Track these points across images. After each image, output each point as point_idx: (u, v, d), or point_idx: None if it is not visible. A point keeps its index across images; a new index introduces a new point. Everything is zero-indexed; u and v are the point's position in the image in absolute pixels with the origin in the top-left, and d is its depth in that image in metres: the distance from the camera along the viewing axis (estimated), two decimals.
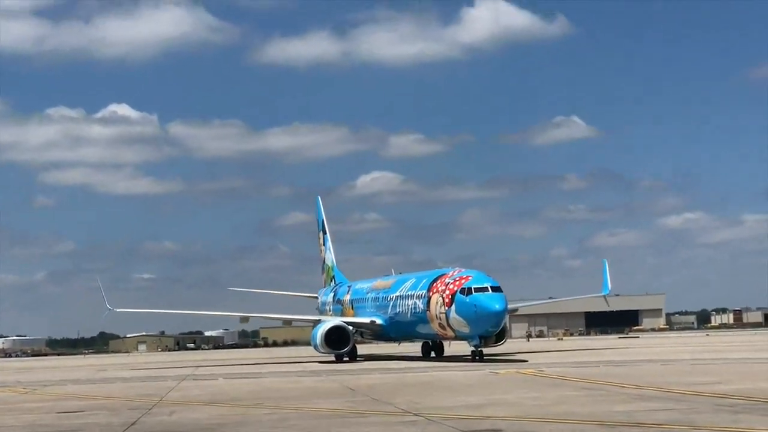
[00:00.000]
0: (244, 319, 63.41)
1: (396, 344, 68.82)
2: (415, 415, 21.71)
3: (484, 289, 49.77)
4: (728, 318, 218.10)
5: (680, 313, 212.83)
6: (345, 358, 59.95)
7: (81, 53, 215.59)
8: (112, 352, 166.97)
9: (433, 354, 64.38)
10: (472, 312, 49.50)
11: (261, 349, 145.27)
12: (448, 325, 52.06)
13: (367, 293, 67.76)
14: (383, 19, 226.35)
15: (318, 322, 61.82)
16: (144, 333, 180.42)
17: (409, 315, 58.10)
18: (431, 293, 54.41)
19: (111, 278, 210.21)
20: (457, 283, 51.57)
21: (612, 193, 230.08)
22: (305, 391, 32.72)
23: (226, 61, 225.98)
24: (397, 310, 60.05)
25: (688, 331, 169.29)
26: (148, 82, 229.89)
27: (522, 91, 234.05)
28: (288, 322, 71.66)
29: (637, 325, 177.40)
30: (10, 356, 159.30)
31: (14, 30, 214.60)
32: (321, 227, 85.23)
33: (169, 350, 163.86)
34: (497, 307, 49.00)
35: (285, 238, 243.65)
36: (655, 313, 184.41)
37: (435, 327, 54.46)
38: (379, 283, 67.41)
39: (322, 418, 21.91)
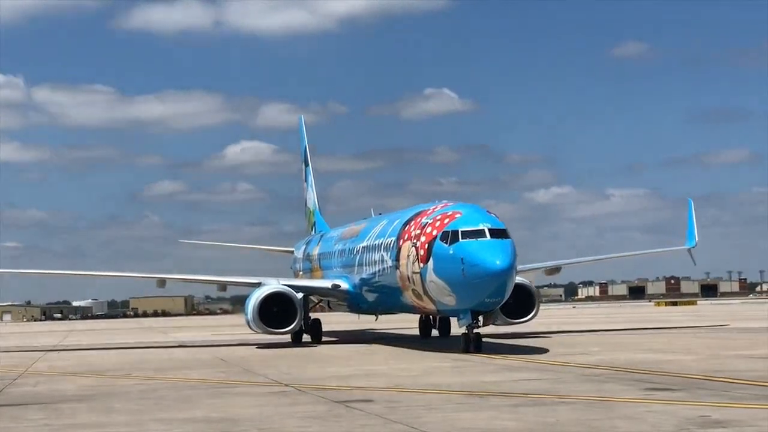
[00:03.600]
0: (161, 282, 44.94)
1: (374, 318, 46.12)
2: (286, 385, 21.67)
3: (477, 233, 29.90)
4: (595, 291, 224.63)
5: (548, 286, 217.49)
6: (305, 338, 41.13)
7: None
8: None
9: (435, 333, 43.84)
10: (457, 272, 29.62)
11: (131, 320, 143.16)
12: (425, 292, 32.01)
13: (335, 245, 46.56)
14: None
15: (257, 286, 39.98)
16: (9, 303, 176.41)
17: (376, 277, 37.90)
18: (401, 241, 34.23)
19: None
20: (438, 224, 31.42)
21: (482, 166, 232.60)
22: (176, 362, 32.39)
23: (95, 25, 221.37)
24: (364, 268, 39.46)
25: (555, 304, 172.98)
26: (13, 45, 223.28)
27: (394, 63, 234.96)
28: (222, 287, 48.42)
29: None
30: None
31: None
32: (303, 157, 63.15)
33: (35, 320, 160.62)
34: (498, 262, 28.84)
35: (155, 208, 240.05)
36: None
37: (410, 296, 33.94)
38: (350, 229, 46.73)
39: (192, 389, 21.70)
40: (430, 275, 31.09)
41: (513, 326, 38.54)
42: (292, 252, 57.18)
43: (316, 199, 60.65)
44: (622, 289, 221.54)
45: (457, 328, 36.41)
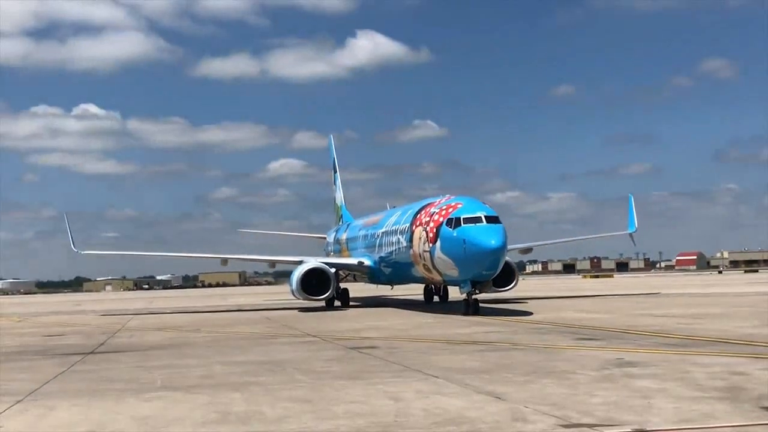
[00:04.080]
0: (224, 261, 44.01)
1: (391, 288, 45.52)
2: (314, 336, 21.66)
3: (475, 220, 29.53)
4: (538, 267, 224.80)
5: None
6: (337, 303, 40.09)
7: (60, 64, 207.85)
8: (86, 291, 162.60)
9: (436, 299, 43.23)
10: (459, 250, 29.29)
11: (200, 290, 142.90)
12: (434, 267, 31.60)
13: (359, 231, 45.88)
14: (290, 45, 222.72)
15: (299, 264, 39.34)
16: (110, 277, 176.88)
17: (393, 255, 37.46)
18: (414, 227, 33.92)
19: (83, 236, 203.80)
20: (444, 212, 31.08)
21: (456, 176, 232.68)
22: (233, 320, 32.36)
23: (172, 71, 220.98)
24: (383, 249, 39.18)
25: None
26: (112, 86, 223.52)
27: (391, 101, 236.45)
28: (272, 264, 47.94)
29: None
30: (7, 294, 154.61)
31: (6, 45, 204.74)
32: (333, 166, 62.70)
33: (128, 290, 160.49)
34: (493, 242, 28.50)
35: (217, 207, 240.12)
36: None
37: (421, 270, 33.62)
38: (371, 219, 45.87)
39: (244, 339, 21.69)
40: (438, 253, 30.54)
41: (498, 293, 37.83)
42: (325, 238, 55.95)
43: (342, 197, 59.83)
44: (557, 266, 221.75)
45: (454, 295, 37.94)
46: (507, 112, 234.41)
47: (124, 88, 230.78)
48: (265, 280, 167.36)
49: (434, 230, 30.95)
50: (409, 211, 35.79)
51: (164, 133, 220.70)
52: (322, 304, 38.76)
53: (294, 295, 37.44)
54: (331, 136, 63.78)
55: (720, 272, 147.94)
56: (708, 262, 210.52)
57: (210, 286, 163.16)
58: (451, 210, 30.70)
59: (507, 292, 37.98)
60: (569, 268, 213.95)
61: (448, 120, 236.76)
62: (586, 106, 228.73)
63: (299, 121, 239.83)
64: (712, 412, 8.97)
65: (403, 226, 35.41)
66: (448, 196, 32.99)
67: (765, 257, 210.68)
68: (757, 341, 16.29)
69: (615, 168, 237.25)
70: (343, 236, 49.29)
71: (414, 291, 47.69)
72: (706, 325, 21.26)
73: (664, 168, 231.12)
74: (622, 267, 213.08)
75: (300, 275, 37.32)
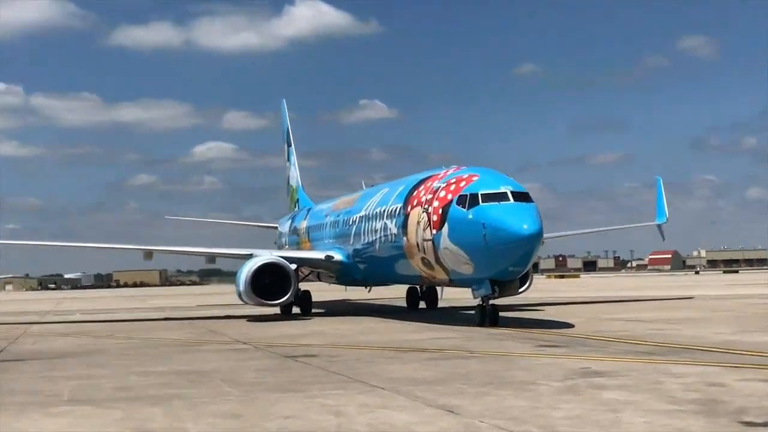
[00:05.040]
0: (148, 255, 37.71)
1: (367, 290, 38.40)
2: (244, 343, 21.58)
3: (499, 197, 24.09)
4: None
5: None
6: (295, 310, 34.51)
7: None
8: None
9: (423, 305, 37.76)
10: (477, 238, 23.68)
11: (115, 290, 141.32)
12: (437, 261, 25.86)
13: (326, 217, 39.01)
14: (219, 12, 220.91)
15: (248, 258, 33.15)
16: (11, 275, 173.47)
17: (377, 246, 30.87)
18: (409, 208, 27.94)
19: None
20: (453, 187, 25.48)
21: (407, 164, 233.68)
22: (151, 324, 32.07)
23: (83, 42, 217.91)
24: (361, 238, 32.63)
25: None
26: (14, 58, 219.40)
27: (335, 78, 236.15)
28: (211, 259, 40.01)
29: None
30: None
31: None
32: (286, 138, 55.17)
33: (32, 290, 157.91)
34: (525, 227, 23.09)
35: (134, 196, 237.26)
36: None
37: (417, 265, 27.58)
38: (342, 201, 38.95)
39: (164, 346, 21.51)
40: (445, 242, 25.02)
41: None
42: (276, 228, 49.78)
43: (299, 177, 53.19)
44: None
45: (445, 299, 34.74)
46: (465, 93, 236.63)
47: (28, 59, 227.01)
48: (190, 280, 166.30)
49: (440, 211, 25.46)
50: (401, 188, 30.11)
51: (74, 111, 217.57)
52: (276, 311, 33.52)
53: (241, 299, 31.78)
54: (284, 101, 56.33)
55: (697, 273, 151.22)
56: (684, 262, 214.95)
57: (126, 285, 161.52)
58: (463, 184, 25.29)
59: (522, 293, 30.50)
60: (533, 267, 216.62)
61: (399, 101, 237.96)
62: (551, 88, 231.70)
63: (229, 99, 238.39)
64: (687, 427, 9.17)
65: (393, 208, 29.63)
66: (455, 166, 27.68)
67: (746, 256, 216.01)
68: (736, 349, 16.68)
69: (582, 157, 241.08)
70: (303, 224, 43.08)
71: (393, 293, 42.85)
72: (681, 330, 21.69)
73: (636, 157, 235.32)
74: (590, 266, 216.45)
75: (250, 273, 31.17)
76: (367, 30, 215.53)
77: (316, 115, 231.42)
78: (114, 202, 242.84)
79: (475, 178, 25.38)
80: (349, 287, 39.20)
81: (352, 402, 11.27)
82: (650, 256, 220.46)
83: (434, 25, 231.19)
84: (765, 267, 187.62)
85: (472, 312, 25.98)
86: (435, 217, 25.67)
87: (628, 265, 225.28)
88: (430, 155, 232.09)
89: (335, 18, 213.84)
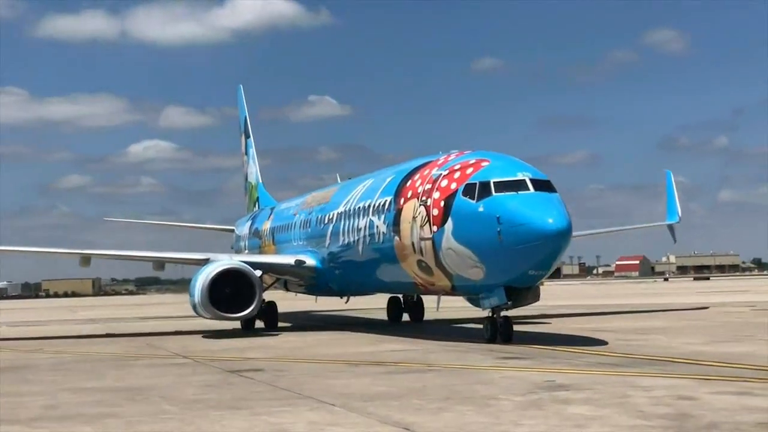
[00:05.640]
0: (85, 261, 33.33)
1: (342, 299, 34.61)
2: (185, 357, 21.44)
3: (516, 185, 21.60)
4: None
5: None
6: (259, 324, 32.09)
7: None
8: None
9: (407, 317, 35.22)
10: (490, 236, 21.00)
11: (43, 300, 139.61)
12: (438, 264, 23.08)
13: (294, 216, 35.98)
14: (157, 1, 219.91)
15: (204, 263, 30.13)
16: None
17: (359, 248, 28.01)
18: (401, 201, 25.27)
19: None
20: (458, 175, 22.94)
21: (360, 164, 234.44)
22: (85, 338, 31.74)
23: (8, 32, 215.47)
24: (339, 239, 29.69)
25: None
26: None
27: (283, 72, 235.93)
28: (160, 265, 35.42)
29: None
30: None
31: None
32: (243, 128, 52.12)
33: None
34: (551, 221, 20.57)
35: (65, 199, 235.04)
36: None
37: (410, 269, 24.85)
38: (314, 196, 35.72)
39: (98, 361, 21.29)
40: (448, 241, 22.30)
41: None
42: (232, 230, 46.78)
43: (259, 173, 49.62)
44: None
45: (431, 312, 31.55)
46: (422, 88, 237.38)
47: None
48: (125, 289, 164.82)
49: (441, 204, 22.80)
50: (389, 178, 27.42)
51: None
52: (237, 325, 31.15)
53: (196, 312, 28.93)
54: (241, 86, 53.93)
55: (666, 279, 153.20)
56: (653, 268, 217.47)
57: (56, 295, 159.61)
58: (470, 171, 22.68)
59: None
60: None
61: (351, 97, 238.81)
62: (514, 84, 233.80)
63: (168, 94, 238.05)
64: None
65: (380, 202, 26.77)
66: (456, 151, 25.01)
67: (718, 262, 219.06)
68: (707, 360, 16.91)
69: (547, 156, 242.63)
70: (266, 225, 40.21)
71: (373, 304, 39.30)
72: (649, 341, 21.95)
73: (602, 157, 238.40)
74: (553, 273, 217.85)
75: (207, 281, 28.19)
76: (318, 21, 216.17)
77: (260, 112, 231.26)
78: (42, 205, 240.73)
79: (485, 164, 22.76)
80: (320, 297, 36.16)
81: (301, 419, 11.25)
82: (617, 262, 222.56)
83: (389, 16, 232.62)
84: (737, 273, 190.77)
85: (468, 326, 24.76)
86: (435, 212, 22.98)
87: (594, 271, 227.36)
88: (384, 154, 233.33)
89: (283, 8, 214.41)
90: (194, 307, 28.80)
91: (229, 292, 28.79)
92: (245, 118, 52.21)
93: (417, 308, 35.02)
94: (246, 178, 51.68)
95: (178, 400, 13.61)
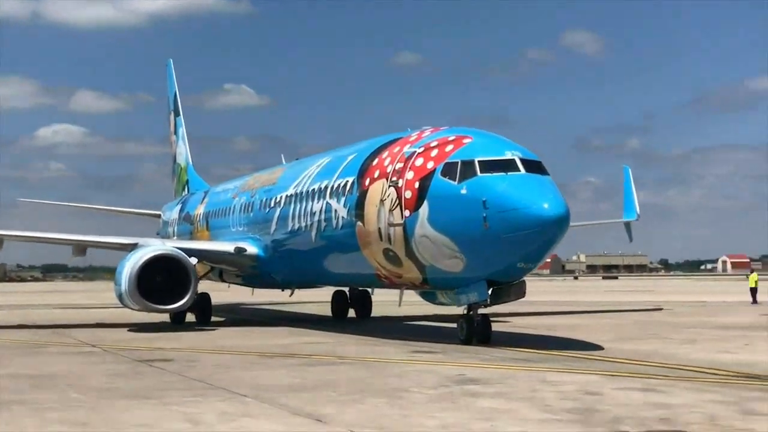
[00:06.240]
0: None
1: (284, 292, 32.06)
2: (93, 346, 21.16)
3: (504, 165, 19.42)
4: None
5: None
6: (190, 318, 29.33)
7: None
8: None
9: (353, 313, 32.79)
10: (475, 221, 18.83)
11: None
12: (409, 253, 20.69)
13: (233, 200, 32.96)
14: None
15: (132, 248, 27.84)
16: None
17: (313, 234, 25.27)
18: (367, 181, 22.64)
19: None
20: (435, 153, 20.62)
21: (277, 155, 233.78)
22: None
23: None
24: (289, 225, 26.88)
25: None
26: None
27: (199, 59, 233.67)
28: (81, 250, 31.90)
29: None
30: None
31: None
32: (173, 106, 48.10)
33: None
34: (548, 207, 18.46)
35: None
36: None
37: (374, 259, 22.27)
38: (257, 178, 32.87)
39: (3, 348, 20.87)
40: (422, 227, 19.94)
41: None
42: (159, 216, 43.62)
43: (189, 154, 45.94)
44: None
45: (385, 307, 30.49)
46: (341, 81, 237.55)
47: None
48: (31, 276, 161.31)
49: (415, 186, 20.45)
50: (351, 156, 24.78)
51: None
52: (166, 318, 28.94)
53: (122, 302, 26.48)
54: (171, 61, 50.15)
55: (576, 278, 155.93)
56: (563, 267, 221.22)
57: None
58: (450, 148, 20.40)
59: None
60: None
61: (269, 87, 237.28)
62: (431, 80, 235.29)
63: (80, 77, 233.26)
64: None
65: (341, 183, 24.12)
66: (431, 128, 22.56)
67: (626, 262, 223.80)
68: (614, 357, 17.32)
69: None
70: (199, 209, 37.14)
71: (315, 296, 36.81)
72: (559, 337, 22.34)
73: None
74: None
75: (136, 268, 25.74)
76: (238, 9, 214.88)
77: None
78: None
79: (467, 141, 20.50)
80: (260, 289, 33.59)
81: (212, 410, 11.22)
82: None
83: (310, 7, 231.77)
84: (645, 273, 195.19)
85: (424, 323, 24.16)
86: (408, 194, 20.57)
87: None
88: (303, 146, 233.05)
89: None
90: (120, 297, 26.34)
91: (161, 280, 26.36)
92: (175, 94, 48.24)
93: (363, 303, 32.63)
94: (174, 160, 47.81)
95: (86, 388, 13.45)
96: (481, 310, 20.32)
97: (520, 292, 20.29)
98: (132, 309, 26.75)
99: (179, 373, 15.32)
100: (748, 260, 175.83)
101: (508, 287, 19.91)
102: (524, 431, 9.75)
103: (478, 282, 19.52)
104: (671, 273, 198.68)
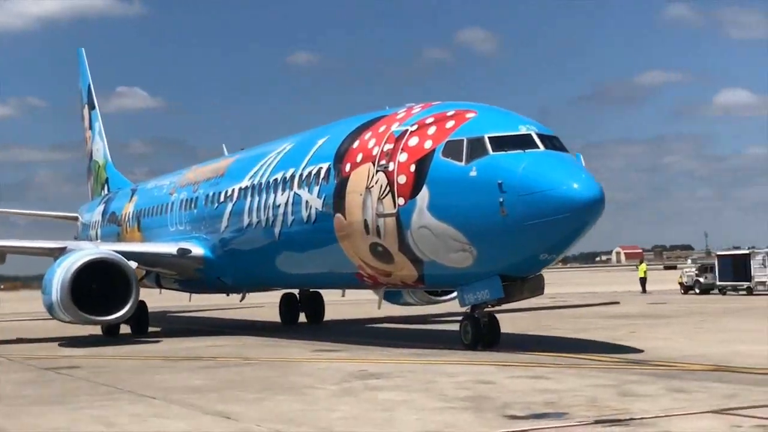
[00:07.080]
0: None
1: (233, 297, 29.18)
2: None
3: (521, 141, 17.07)
4: None
5: None
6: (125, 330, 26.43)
7: None
8: None
9: (303, 318, 30.00)
10: (489, 208, 16.46)
11: None
12: (404, 247, 18.16)
13: (171, 194, 29.78)
14: None
15: (61, 253, 25.20)
16: None
17: (277, 230, 22.53)
18: (347, 166, 19.96)
19: None
20: (433, 130, 18.11)
21: (177, 158, 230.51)
22: None
23: None
24: (244, 220, 24.04)
25: None
26: None
27: (90, 61, 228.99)
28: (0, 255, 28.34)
29: None
30: None
31: None
32: (86, 97, 44.42)
33: None
34: (579, 187, 16.07)
35: None
36: None
37: (357, 256, 19.69)
38: (198, 171, 29.65)
39: None
40: (421, 216, 17.50)
41: (426, 305, 26.64)
42: (75, 218, 40.30)
43: (107, 150, 42.42)
44: None
45: (333, 313, 29.04)
46: (238, 82, 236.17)
47: None
48: None
49: (411, 169, 17.95)
50: (322, 140, 22.07)
51: None
52: (98, 330, 26.11)
53: (52, 313, 23.80)
54: (82, 50, 46.19)
55: None
56: None
57: None
58: (452, 125, 17.96)
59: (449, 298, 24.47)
60: None
61: (163, 89, 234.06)
62: (326, 80, 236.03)
63: None
64: (455, 422, 10.25)
65: (311, 170, 21.44)
66: (422, 104, 19.85)
67: None
68: (510, 349, 18.16)
69: None
70: (127, 209, 33.54)
71: (261, 300, 34.69)
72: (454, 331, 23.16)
73: None
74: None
75: (70, 275, 22.85)
76: (130, 11, 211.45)
77: (65, 104, 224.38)
78: None
79: (471, 116, 18.05)
80: (199, 294, 30.57)
81: (123, 412, 11.63)
82: None
83: (203, 7, 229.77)
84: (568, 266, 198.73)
85: (382, 326, 24.13)
86: (402, 179, 18.03)
87: None
88: (201, 149, 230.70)
89: None
90: (50, 308, 23.49)
91: (96, 288, 23.76)
92: (89, 85, 44.47)
93: (315, 306, 29.95)
94: (91, 157, 43.71)
95: None
96: (488, 309, 17.88)
97: (537, 287, 17.77)
98: (62, 321, 24.12)
99: (87, 378, 15.61)
100: (640, 251, 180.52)
101: (522, 282, 17.42)
102: (421, 419, 10.46)
103: (491, 278, 17.10)
104: (567, 265, 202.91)
